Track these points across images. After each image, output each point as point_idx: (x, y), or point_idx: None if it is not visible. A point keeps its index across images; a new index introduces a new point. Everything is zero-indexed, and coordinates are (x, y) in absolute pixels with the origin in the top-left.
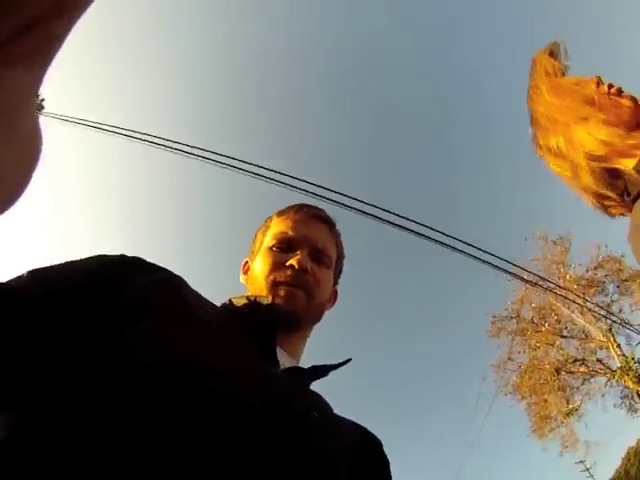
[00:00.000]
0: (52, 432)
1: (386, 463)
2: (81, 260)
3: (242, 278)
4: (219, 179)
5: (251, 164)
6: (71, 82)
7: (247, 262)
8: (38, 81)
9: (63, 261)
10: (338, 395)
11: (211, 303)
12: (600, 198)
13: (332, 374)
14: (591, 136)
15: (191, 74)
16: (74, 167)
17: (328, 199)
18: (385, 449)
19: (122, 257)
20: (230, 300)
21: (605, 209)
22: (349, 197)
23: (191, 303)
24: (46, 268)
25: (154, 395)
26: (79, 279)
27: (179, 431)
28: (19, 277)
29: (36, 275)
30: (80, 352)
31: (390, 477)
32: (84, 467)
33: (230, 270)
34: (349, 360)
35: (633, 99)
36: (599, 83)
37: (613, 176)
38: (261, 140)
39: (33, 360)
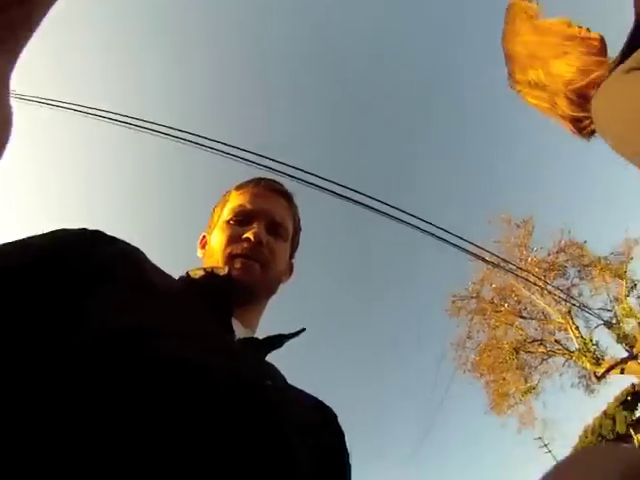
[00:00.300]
0: (9, 397)
1: (342, 435)
2: (41, 235)
3: (199, 252)
4: (176, 155)
5: (210, 139)
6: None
7: (205, 236)
8: (9, 68)
9: (22, 237)
10: (294, 369)
11: (169, 275)
12: (577, 122)
13: (289, 347)
14: (570, 66)
15: (146, 47)
16: (23, 144)
17: (287, 174)
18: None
19: (83, 230)
20: (187, 272)
21: (581, 131)
22: (311, 174)
23: (149, 274)
24: (1, 245)
25: (109, 359)
26: (37, 252)
27: (135, 395)
28: None
29: None
30: (37, 323)
31: (346, 449)
32: (39, 430)
33: (189, 246)
34: (303, 330)
35: (600, 36)
36: (569, 25)
37: (589, 101)
38: (221, 117)
39: None
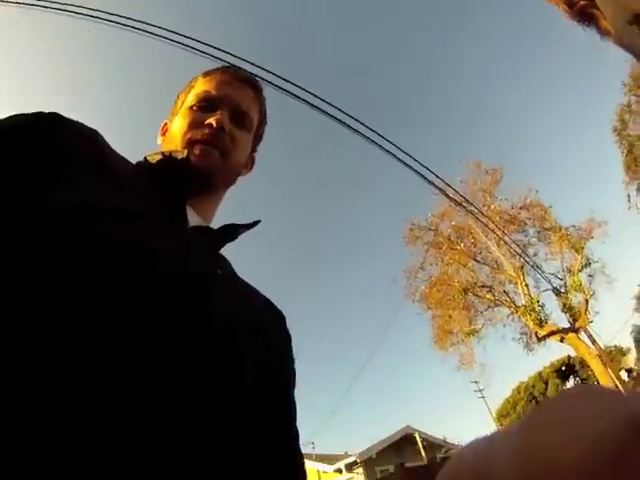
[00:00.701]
0: None
1: (289, 338)
2: None
3: (159, 140)
4: (137, 47)
5: (177, 33)
6: None
7: (166, 123)
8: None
9: None
10: (246, 266)
11: (126, 159)
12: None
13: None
14: None
15: None
16: None
17: (259, 77)
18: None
19: (39, 114)
20: (145, 157)
21: (576, 12)
22: (285, 80)
23: (106, 156)
24: None
25: (67, 236)
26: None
27: (88, 275)
28: None
29: None
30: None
31: (292, 354)
32: None
33: (150, 135)
34: (258, 222)
35: None
36: None
37: None
38: (192, 11)
39: None
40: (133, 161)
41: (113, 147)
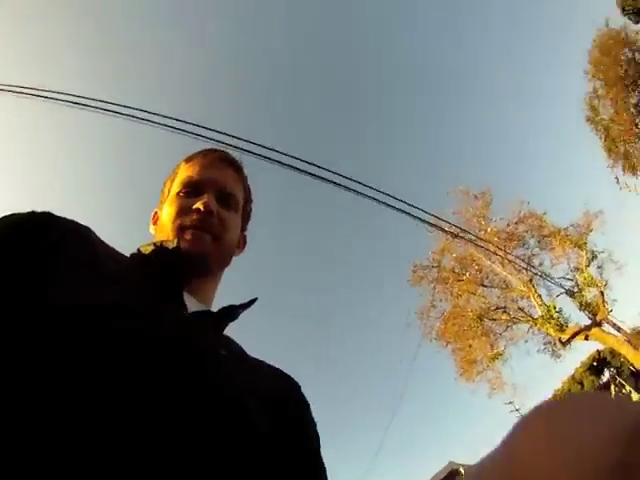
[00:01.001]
0: None
1: (307, 404)
2: None
3: (151, 229)
4: (118, 129)
5: (157, 115)
6: None
7: (156, 212)
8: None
9: None
10: (254, 342)
11: (120, 253)
12: None
13: (248, 320)
14: None
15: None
16: None
17: (237, 148)
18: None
19: (32, 214)
20: (138, 249)
21: None
22: (262, 146)
23: (100, 252)
24: None
25: (61, 335)
26: None
27: (99, 367)
28: None
29: None
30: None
31: (312, 419)
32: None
33: (141, 225)
34: (255, 300)
35: None
36: None
37: None
38: (169, 91)
39: None
40: (128, 253)
41: (104, 240)
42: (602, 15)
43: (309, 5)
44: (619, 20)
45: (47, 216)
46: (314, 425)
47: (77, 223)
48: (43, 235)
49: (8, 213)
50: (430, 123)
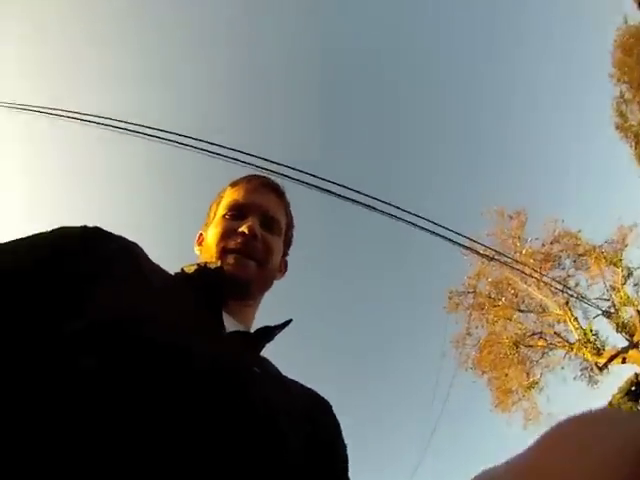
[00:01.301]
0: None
1: (338, 425)
2: (42, 235)
3: (196, 249)
4: (161, 155)
5: (199, 140)
6: None
7: (201, 234)
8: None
9: (26, 235)
10: (289, 365)
11: (165, 271)
12: None
13: (283, 343)
14: None
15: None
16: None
17: (276, 172)
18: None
19: (83, 228)
20: (182, 268)
21: None
22: (302, 172)
23: (146, 269)
24: (6, 244)
25: (107, 346)
26: (45, 251)
27: (126, 377)
28: None
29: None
30: (30, 325)
31: (343, 440)
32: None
33: (186, 245)
34: (290, 321)
35: None
36: None
37: None
38: (208, 115)
39: None
40: (172, 272)
41: (152, 258)
42: (620, 14)
43: (359, 37)
44: (637, 16)
45: (98, 231)
46: (344, 447)
47: (125, 239)
48: (94, 249)
49: (61, 226)
50: (463, 142)
